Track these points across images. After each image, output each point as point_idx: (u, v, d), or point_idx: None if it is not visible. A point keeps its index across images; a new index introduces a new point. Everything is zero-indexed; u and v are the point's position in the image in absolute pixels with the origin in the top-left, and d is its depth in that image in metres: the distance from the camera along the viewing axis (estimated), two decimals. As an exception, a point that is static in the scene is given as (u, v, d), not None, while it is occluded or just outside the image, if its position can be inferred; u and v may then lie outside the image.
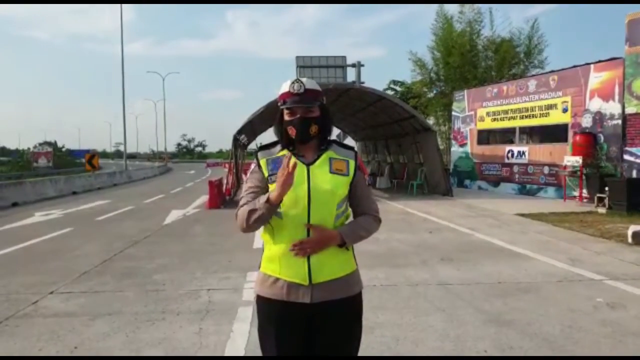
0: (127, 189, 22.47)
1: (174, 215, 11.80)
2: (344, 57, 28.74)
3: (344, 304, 1.84)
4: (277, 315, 1.84)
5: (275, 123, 1.98)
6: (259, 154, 1.95)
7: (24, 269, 6.24)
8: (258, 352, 3.40)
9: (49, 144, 64.90)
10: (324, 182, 1.82)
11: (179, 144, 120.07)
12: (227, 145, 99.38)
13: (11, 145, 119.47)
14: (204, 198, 14.69)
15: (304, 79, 1.87)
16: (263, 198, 1.76)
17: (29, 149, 58.26)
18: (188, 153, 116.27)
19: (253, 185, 1.90)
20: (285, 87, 1.87)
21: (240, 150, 21.14)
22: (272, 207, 1.75)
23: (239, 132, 17.75)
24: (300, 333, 1.83)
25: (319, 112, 1.88)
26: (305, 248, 1.76)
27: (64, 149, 70.82)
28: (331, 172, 1.84)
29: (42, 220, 11.25)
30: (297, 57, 28.42)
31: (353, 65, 28.64)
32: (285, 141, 1.92)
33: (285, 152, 1.90)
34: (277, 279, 1.83)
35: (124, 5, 34.09)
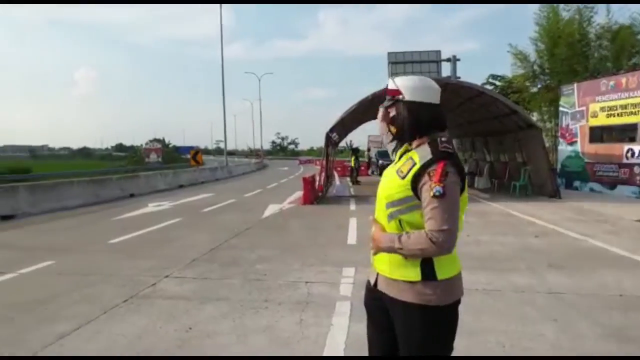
0: (228, 184, 23.77)
1: (271, 209, 12.27)
2: (438, 52, 27.83)
3: (402, 305, 1.77)
4: (366, 288, 2.01)
5: None
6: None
7: (142, 254, 6.86)
8: (358, 347, 3.47)
9: (158, 140, 70.45)
10: (385, 180, 1.87)
11: (273, 142, 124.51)
12: (317, 143, 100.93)
13: (127, 142, 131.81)
14: (298, 194, 15.08)
15: (397, 79, 1.87)
16: None
17: (141, 145, 63.90)
18: (281, 150, 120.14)
19: None
20: None
21: (331, 148, 21.40)
22: None
23: (331, 130, 17.97)
24: (377, 314, 1.92)
25: (395, 112, 1.87)
26: (371, 242, 1.85)
27: (170, 146, 76.52)
28: (396, 171, 1.82)
29: (155, 211, 12.29)
30: (389, 54, 28.07)
31: (448, 60, 27.59)
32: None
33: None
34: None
35: (223, 10, 35.88)
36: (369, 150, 38.08)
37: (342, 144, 24.72)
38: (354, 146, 29.06)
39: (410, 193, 1.73)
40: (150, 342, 3.63)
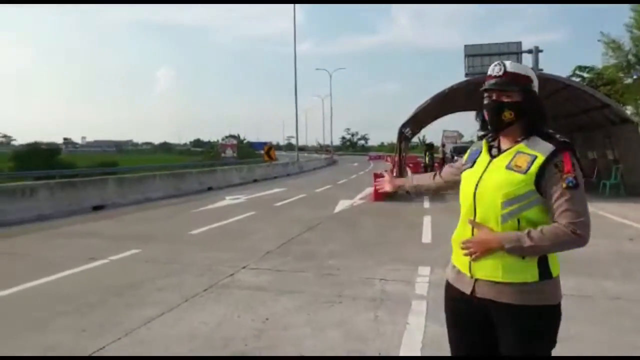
0: (299, 179, 24.16)
1: (342, 204, 12.28)
2: (518, 43, 26.45)
3: (517, 309, 1.66)
4: (448, 296, 1.90)
5: (477, 108, 1.91)
6: (472, 145, 1.94)
7: (220, 245, 7.12)
8: (435, 348, 3.37)
9: (233, 137, 73.07)
10: (493, 177, 1.71)
11: (343, 137, 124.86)
12: (388, 138, 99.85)
13: (204, 138, 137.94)
14: (369, 190, 14.97)
15: (507, 62, 1.78)
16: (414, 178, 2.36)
17: (217, 141, 66.60)
18: (351, 146, 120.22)
19: (449, 166, 2.19)
20: (488, 71, 1.82)
21: (404, 144, 21.02)
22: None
23: (404, 125, 17.65)
24: (469, 325, 1.81)
25: (519, 98, 1.73)
26: (469, 248, 1.72)
27: (245, 142, 79.10)
28: (507, 167, 1.69)
29: (231, 204, 12.75)
30: (466, 46, 27.11)
31: (529, 51, 26.05)
32: (485, 128, 1.85)
33: (483, 142, 1.87)
34: (453, 264, 1.88)
35: (296, 8, 36.52)
36: (443, 146, 36.86)
37: (415, 139, 24.18)
38: (428, 141, 28.28)
39: (533, 187, 1.64)
40: (229, 331, 3.74)
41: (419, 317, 4.04)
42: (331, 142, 73.88)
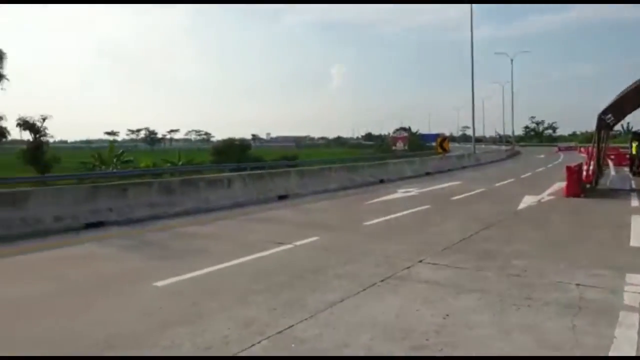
0: (476, 172, 22.91)
1: (528, 200, 11.21)
2: None
3: None
4: None
5: None
6: None
7: (394, 238, 7.13)
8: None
9: (404, 129, 72.86)
10: None
11: (526, 127, 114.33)
12: (581, 127, 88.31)
13: (375, 131, 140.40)
14: (559, 185, 13.44)
15: None
16: None
17: (388, 134, 67.19)
18: (536, 136, 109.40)
19: None
20: None
21: (604, 132, 18.27)
22: None
23: (605, 111, 15.28)
24: None
25: None
26: None
27: (417, 133, 78.26)
28: None
29: (404, 197, 12.70)
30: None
31: None
32: None
33: None
34: None
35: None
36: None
37: (618, 127, 20.82)
38: (634, 129, 24.08)
39: None
40: (408, 323, 3.70)
41: (629, 331, 3.49)
42: (512, 132, 68.41)
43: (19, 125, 26.37)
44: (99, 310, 4.21)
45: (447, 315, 3.85)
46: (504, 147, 55.80)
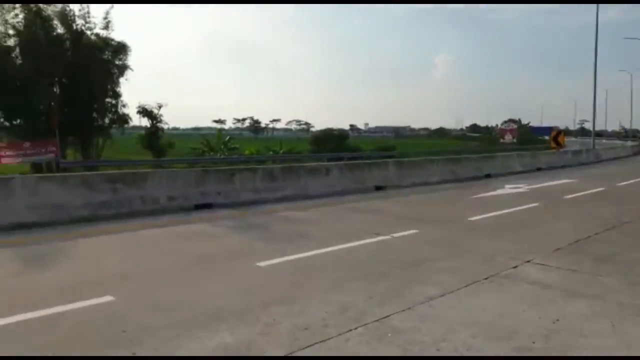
0: (595, 169, 20.87)
1: (658, 202, 9.98)
2: None
3: None
4: None
5: None
6: None
7: (501, 235, 6.74)
8: None
9: (513, 121, 68.40)
10: None
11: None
12: None
13: (482, 122, 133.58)
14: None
15: None
16: None
17: (496, 125, 63.50)
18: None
19: None
20: None
21: None
22: None
23: None
24: None
25: None
26: None
27: (527, 126, 73.10)
28: None
29: (512, 193, 11.96)
30: None
31: None
32: None
33: None
34: None
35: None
36: None
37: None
38: None
39: None
40: (513, 324, 3.50)
41: None
42: (640, 127, 61.06)
43: (138, 112, 29.01)
44: (208, 284, 4.52)
45: (557, 319, 3.57)
46: (629, 143, 50.05)
